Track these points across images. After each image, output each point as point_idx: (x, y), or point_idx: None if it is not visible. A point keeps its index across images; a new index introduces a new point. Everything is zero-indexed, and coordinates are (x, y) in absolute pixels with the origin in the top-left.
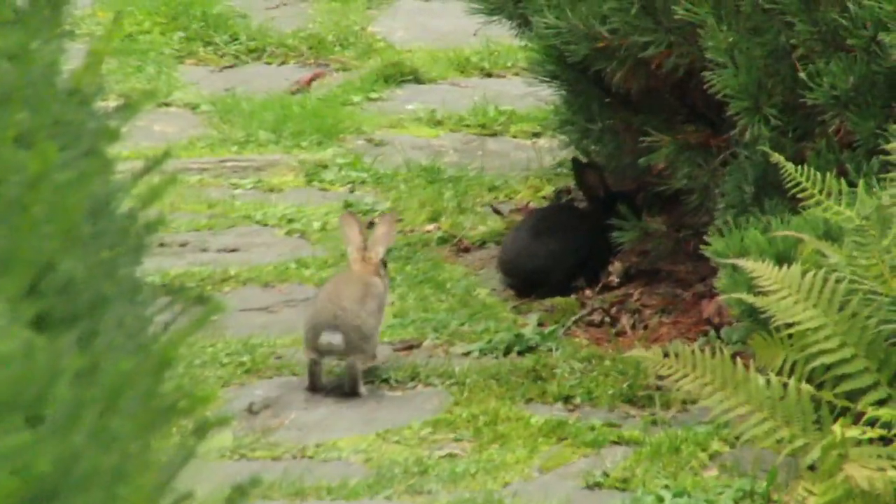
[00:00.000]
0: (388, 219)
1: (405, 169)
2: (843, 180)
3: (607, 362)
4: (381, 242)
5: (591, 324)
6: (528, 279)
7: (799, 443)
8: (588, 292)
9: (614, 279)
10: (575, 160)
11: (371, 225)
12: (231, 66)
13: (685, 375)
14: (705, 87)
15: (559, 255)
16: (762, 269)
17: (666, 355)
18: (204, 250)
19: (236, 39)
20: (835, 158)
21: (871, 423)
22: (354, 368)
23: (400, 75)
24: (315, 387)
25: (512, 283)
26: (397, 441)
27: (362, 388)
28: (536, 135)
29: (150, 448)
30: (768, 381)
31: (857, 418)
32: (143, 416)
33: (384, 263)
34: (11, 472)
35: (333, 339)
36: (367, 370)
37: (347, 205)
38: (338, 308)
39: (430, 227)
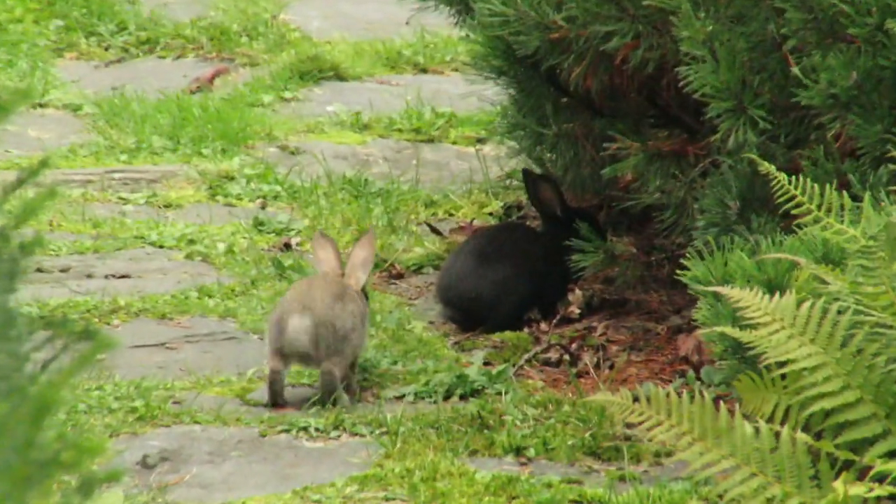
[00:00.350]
0: (368, 240)
1: (326, 181)
2: (844, 193)
3: (566, 408)
4: (361, 268)
5: (546, 363)
6: (472, 310)
7: (794, 502)
8: (543, 326)
9: (574, 310)
10: (526, 171)
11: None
12: (118, 61)
13: (658, 423)
14: (680, 84)
15: (509, 282)
16: (749, 299)
17: (636, 400)
18: (89, 276)
19: (124, 29)
20: (834, 168)
21: (880, 478)
22: (330, 375)
23: (318, 71)
24: (276, 401)
25: (453, 316)
26: (318, 500)
27: (345, 399)
28: (480, 141)
29: None
30: (757, 430)
31: (862, 473)
32: (18, 469)
33: (364, 293)
34: None
35: (301, 328)
36: (346, 383)
37: (258, 223)
38: (307, 300)
39: None
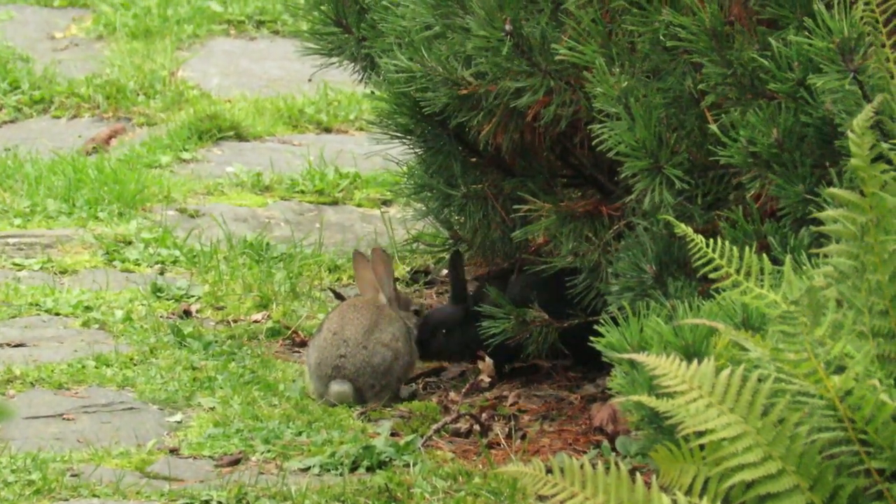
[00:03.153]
0: (376, 258)
1: (226, 245)
2: (764, 256)
3: (477, 480)
4: (383, 282)
5: (456, 433)
6: None
7: None
8: (453, 395)
9: (484, 379)
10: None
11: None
12: (11, 121)
13: (573, 496)
14: (594, 142)
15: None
16: (666, 366)
17: (549, 471)
18: None
19: (17, 88)
20: (754, 230)
21: None
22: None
23: (217, 130)
24: None
25: None
26: None
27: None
28: (386, 203)
29: None
30: (675, 503)
31: None
32: None
33: (414, 309)
34: None
35: (342, 388)
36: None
37: (156, 289)
38: (340, 342)
39: (258, 315)
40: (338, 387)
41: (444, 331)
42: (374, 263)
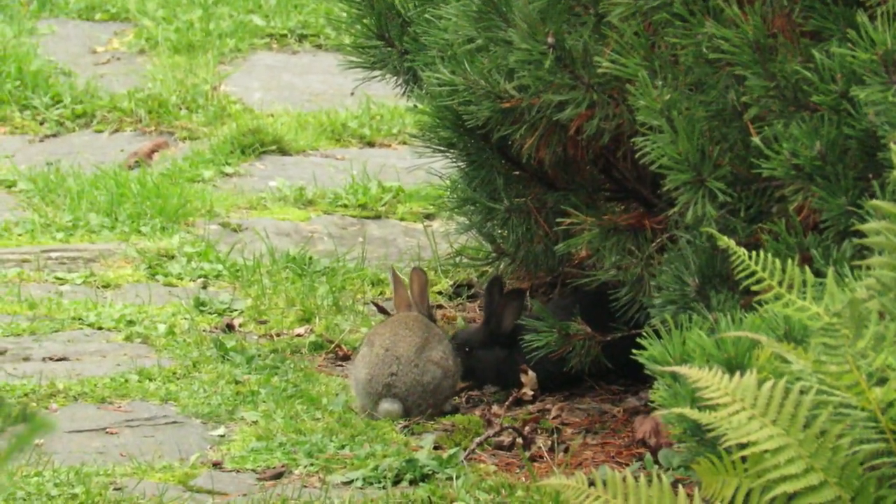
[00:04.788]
0: (416, 277)
1: (269, 259)
2: (807, 269)
3: (520, 493)
4: (418, 302)
5: (499, 446)
6: None
7: None
8: (496, 409)
9: (527, 392)
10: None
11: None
12: (54, 135)
13: None
14: (637, 156)
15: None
16: (709, 379)
17: (591, 484)
18: (26, 359)
19: (59, 102)
20: (797, 242)
21: None
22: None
23: (260, 145)
24: None
25: None
26: None
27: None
28: (429, 217)
29: None
30: None
31: None
32: None
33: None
34: None
35: (393, 407)
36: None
37: (199, 303)
38: (392, 360)
39: (301, 329)
40: (388, 405)
41: (467, 349)
42: (411, 283)
